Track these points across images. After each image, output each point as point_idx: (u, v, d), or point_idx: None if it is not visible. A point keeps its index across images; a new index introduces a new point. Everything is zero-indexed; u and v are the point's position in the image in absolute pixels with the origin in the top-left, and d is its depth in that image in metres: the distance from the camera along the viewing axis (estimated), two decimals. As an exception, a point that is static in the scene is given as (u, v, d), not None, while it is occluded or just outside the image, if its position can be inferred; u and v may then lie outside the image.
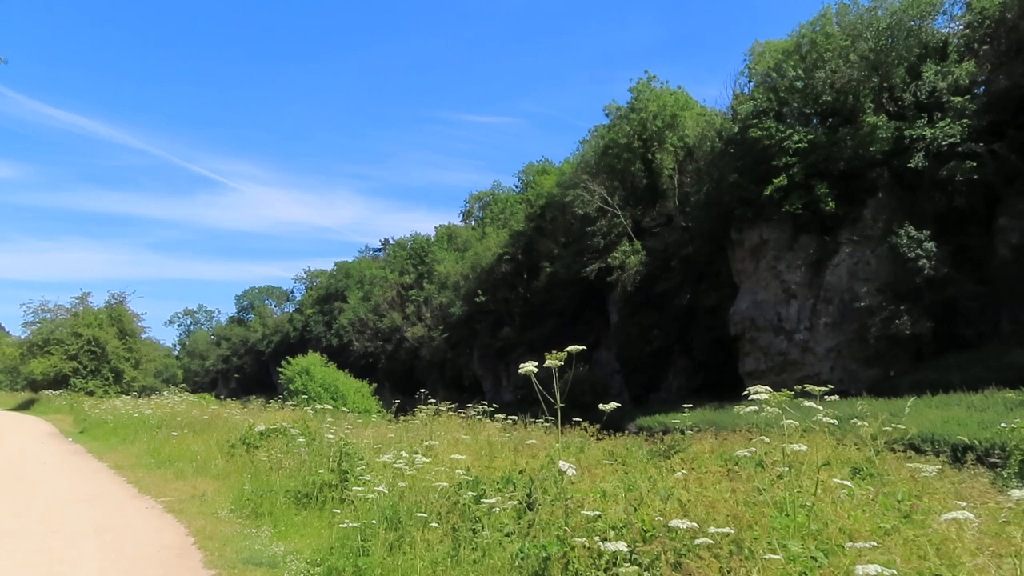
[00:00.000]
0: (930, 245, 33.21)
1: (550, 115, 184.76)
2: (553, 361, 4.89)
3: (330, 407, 24.66)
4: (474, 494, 5.78)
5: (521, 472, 6.75)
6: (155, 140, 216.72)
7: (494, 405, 16.07)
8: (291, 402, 26.66)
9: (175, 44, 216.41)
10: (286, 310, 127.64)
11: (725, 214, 40.57)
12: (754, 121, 39.08)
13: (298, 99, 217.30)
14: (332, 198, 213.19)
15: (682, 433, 12.03)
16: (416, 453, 7.38)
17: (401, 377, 77.23)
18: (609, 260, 48.57)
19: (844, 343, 36.33)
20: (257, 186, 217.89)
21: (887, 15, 37.93)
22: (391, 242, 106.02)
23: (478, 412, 14.82)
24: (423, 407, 15.51)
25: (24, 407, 44.86)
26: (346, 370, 37.13)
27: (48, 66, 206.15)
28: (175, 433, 16.10)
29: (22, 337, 47.21)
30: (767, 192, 37.03)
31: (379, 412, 27.86)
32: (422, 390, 17.34)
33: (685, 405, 20.39)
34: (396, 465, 6.64)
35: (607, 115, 53.42)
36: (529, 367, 4.59)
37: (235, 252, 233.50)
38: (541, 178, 67.60)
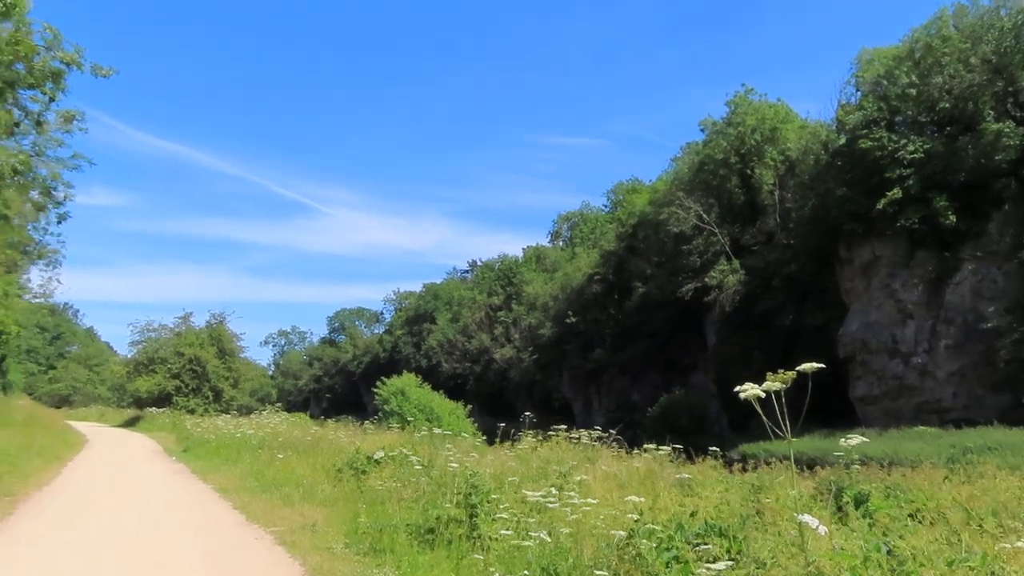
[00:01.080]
0: (1069, 260, 30.51)
1: (636, 135, 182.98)
2: (776, 383, 3.91)
3: (426, 429, 24.19)
4: (670, 551, 4.80)
5: (693, 515, 5.77)
6: (253, 167, 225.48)
7: (583, 428, 15.18)
8: (390, 423, 26.33)
9: (270, 74, 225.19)
10: (376, 331, 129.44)
11: (832, 230, 38.51)
12: (864, 131, 37.01)
13: (387, 124, 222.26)
14: (419, 221, 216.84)
15: (847, 468, 10.51)
16: (562, 488, 6.53)
17: (490, 398, 76.68)
18: (706, 279, 46.86)
19: (969, 367, 33.68)
20: (348, 211, 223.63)
21: (1012, 15, 35.48)
22: (479, 264, 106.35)
23: (591, 437, 13.87)
24: (527, 432, 14.69)
25: (130, 424, 46.45)
26: (439, 391, 36.77)
27: (153, 98, 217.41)
28: (280, 455, 15.66)
29: (129, 356, 48.80)
30: (880, 206, 34.90)
31: (474, 435, 27.17)
32: (527, 413, 16.52)
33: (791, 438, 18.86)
34: (548, 503, 5.78)
35: (702, 130, 52.00)
36: (752, 391, 3.61)
37: (327, 275, 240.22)
38: (632, 197, 66.35)
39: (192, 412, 39.63)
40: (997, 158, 32.89)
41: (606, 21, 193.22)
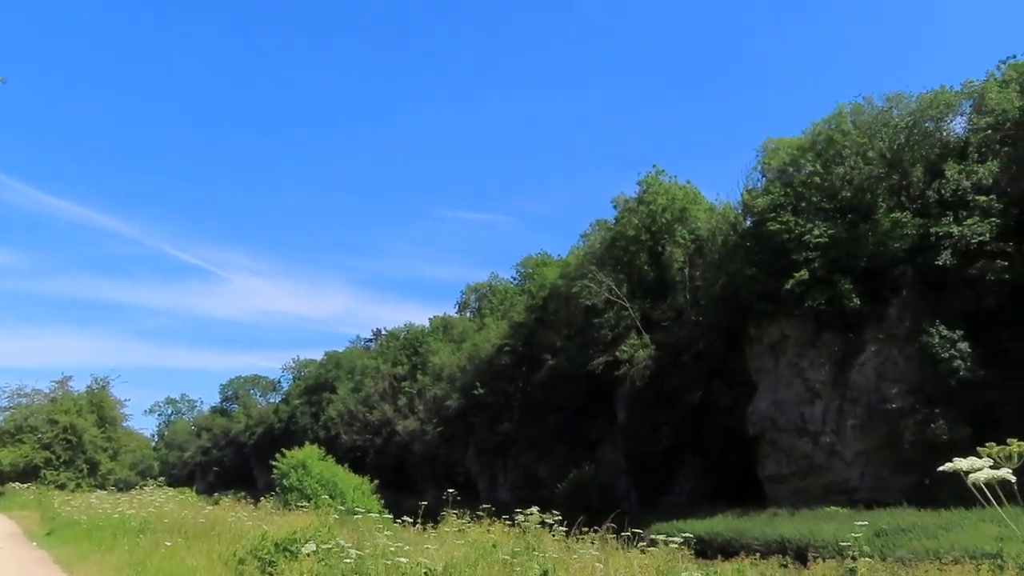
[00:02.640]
0: (964, 345, 31.77)
1: (541, 213, 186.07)
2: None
3: (329, 506, 22.33)
4: None
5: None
6: (149, 229, 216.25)
7: (487, 505, 14.18)
8: (289, 499, 24.28)
9: (171, 135, 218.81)
10: (272, 400, 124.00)
11: (742, 308, 39.20)
12: (771, 215, 38.24)
13: (289, 191, 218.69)
14: (321, 289, 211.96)
15: (853, 560, 9.70)
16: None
17: (390, 471, 73.70)
18: (617, 353, 46.79)
19: (873, 447, 34.33)
20: (247, 276, 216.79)
21: (903, 116, 37.79)
22: (384, 332, 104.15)
23: (527, 519, 12.74)
24: (449, 511, 13.41)
25: (-14, 501, 41.47)
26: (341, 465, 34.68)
27: (46, 154, 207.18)
28: (167, 543, 13.35)
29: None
30: (788, 286, 35.79)
31: (381, 513, 25.39)
32: (450, 490, 15.22)
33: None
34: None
35: (615, 207, 52.86)
36: (978, 473, 2.42)
37: (223, 341, 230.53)
38: (543, 269, 66.56)
39: (62, 487, 35.72)
40: (896, 246, 34.38)
41: (511, 99, 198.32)
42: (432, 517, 14.62)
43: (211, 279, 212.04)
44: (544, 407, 55.70)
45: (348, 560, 8.13)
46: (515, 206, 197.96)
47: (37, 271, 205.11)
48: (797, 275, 35.61)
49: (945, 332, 32.12)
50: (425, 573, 6.15)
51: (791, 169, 39.25)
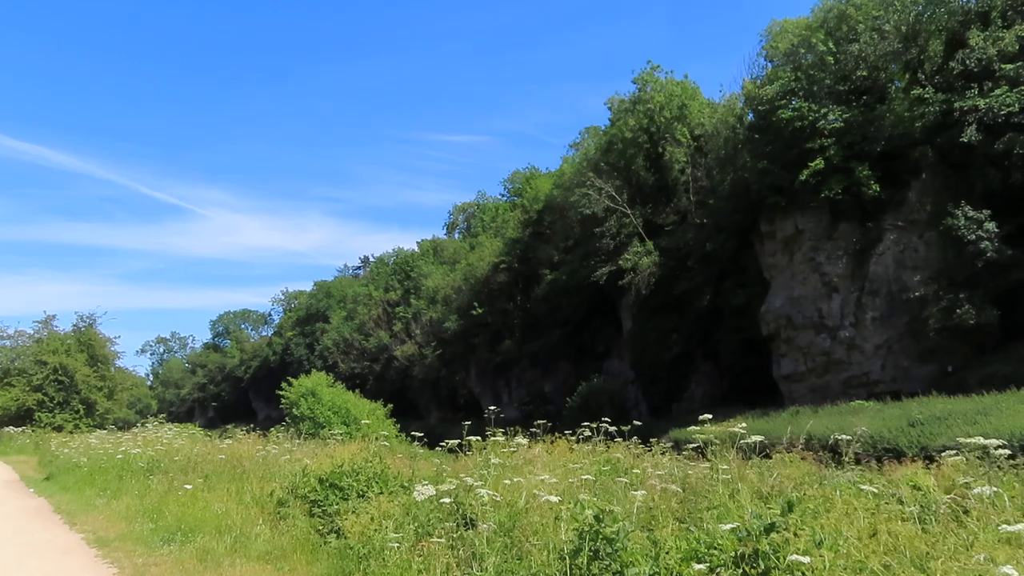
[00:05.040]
0: (991, 226, 30.15)
1: (521, 132, 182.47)
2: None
3: (340, 432, 20.81)
4: None
5: None
6: (122, 169, 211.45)
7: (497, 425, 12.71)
8: (301, 428, 22.83)
9: (139, 70, 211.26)
10: (264, 334, 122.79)
11: (752, 205, 37.36)
12: (782, 102, 36.03)
13: (265, 122, 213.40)
14: (303, 222, 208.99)
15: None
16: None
17: (392, 397, 72.76)
18: (620, 262, 45.05)
19: (895, 338, 33.17)
20: (227, 212, 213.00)
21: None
22: (372, 259, 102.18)
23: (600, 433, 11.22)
24: (496, 430, 11.78)
25: (-19, 447, 40.09)
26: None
27: (10, 97, 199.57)
28: (188, 486, 11.53)
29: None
30: (802, 177, 33.83)
31: (397, 437, 24.01)
32: (492, 408, 13.66)
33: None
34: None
35: (609, 108, 50.21)
36: None
37: (208, 280, 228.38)
38: (536, 182, 64.18)
39: (60, 429, 34.16)
40: (918, 124, 32.42)
41: (486, 16, 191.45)
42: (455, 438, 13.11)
43: (190, 217, 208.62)
44: (545, 323, 54.42)
45: (446, 499, 6.18)
46: (497, 126, 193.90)
47: (10, 217, 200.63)
48: (812, 164, 33.63)
49: (971, 213, 30.46)
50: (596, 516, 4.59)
51: (801, 50, 36.77)
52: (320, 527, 8.48)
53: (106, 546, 9.24)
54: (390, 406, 30.32)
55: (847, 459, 7.25)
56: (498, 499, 5.80)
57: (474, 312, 60.21)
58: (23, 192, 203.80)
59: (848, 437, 7.51)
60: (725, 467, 8.08)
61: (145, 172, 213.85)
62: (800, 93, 36.20)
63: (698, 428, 7.36)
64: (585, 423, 11.44)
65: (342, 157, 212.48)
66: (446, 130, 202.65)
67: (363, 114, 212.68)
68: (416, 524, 6.47)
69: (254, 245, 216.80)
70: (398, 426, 29.76)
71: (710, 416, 6.45)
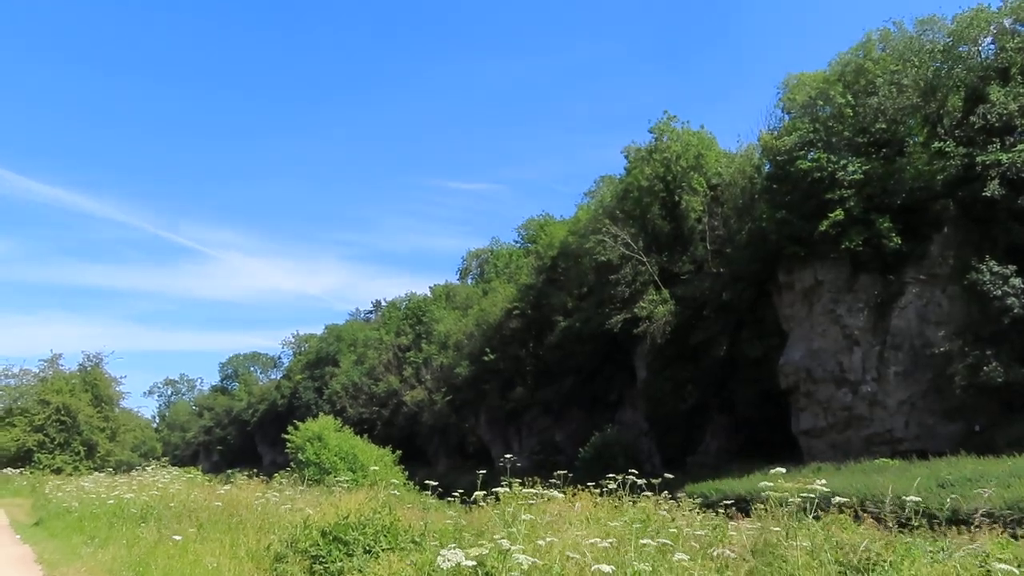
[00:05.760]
0: (1017, 281, 29.52)
1: (534, 181, 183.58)
2: None
3: (350, 480, 20.09)
4: None
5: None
6: (138, 212, 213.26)
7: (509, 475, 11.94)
8: (306, 474, 22.11)
9: (158, 117, 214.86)
10: (273, 377, 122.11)
11: (770, 255, 36.92)
12: (799, 153, 35.83)
13: (281, 168, 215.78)
14: (316, 266, 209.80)
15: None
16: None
17: (400, 443, 71.71)
18: (635, 311, 44.51)
19: (919, 394, 32.30)
20: (240, 255, 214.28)
21: (938, 39, 35.25)
22: (383, 304, 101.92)
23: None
24: (510, 480, 11.13)
25: (-23, 489, 39.19)
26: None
27: (32, 141, 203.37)
28: (177, 537, 10.69)
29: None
30: (822, 227, 33.43)
31: (406, 485, 23.26)
32: (507, 456, 13.01)
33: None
34: None
35: (626, 156, 50.22)
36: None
37: (219, 322, 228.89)
38: (551, 228, 64.08)
39: (59, 472, 33.37)
40: (939, 177, 32.08)
41: (501, 66, 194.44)
42: (466, 489, 12.41)
43: (203, 259, 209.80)
44: (558, 370, 53.68)
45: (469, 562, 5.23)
46: (509, 175, 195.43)
47: (24, 258, 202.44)
48: (832, 215, 33.25)
49: (996, 268, 29.87)
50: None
51: (819, 103, 36.73)
52: None
53: None
54: (398, 452, 29.54)
55: (915, 523, 6.55)
56: (539, 565, 5.12)
57: (486, 358, 59.55)
58: (36, 233, 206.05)
59: (917, 499, 6.80)
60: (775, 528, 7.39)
61: (159, 213, 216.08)
62: (818, 144, 36.05)
63: (770, 483, 6.62)
64: (610, 475, 10.84)
65: (357, 202, 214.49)
66: (460, 178, 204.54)
67: (378, 160, 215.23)
68: None
69: (266, 287, 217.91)
70: (406, 473, 28.98)
71: (783, 470, 5.77)
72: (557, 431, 54.66)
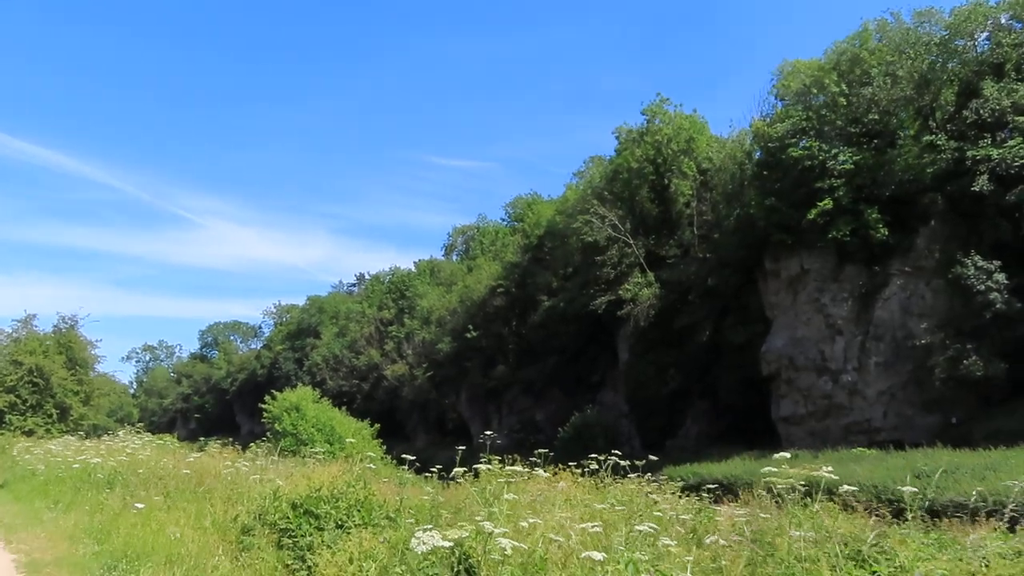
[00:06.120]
0: (1000, 276, 29.66)
1: (523, 159, 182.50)
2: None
3: (323, 451, 19.85)
4: None
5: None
6: (124, 175, 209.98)
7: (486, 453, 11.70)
8: (283, 445, 21.85)
9: (148, 81, 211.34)
10: (253, 346, 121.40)
11: (758, 242, 36.92)
12: (791, 140, 35.71)
13: (271, 137, 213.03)
14: (302, 237, 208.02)
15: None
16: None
17: (379, 418, 71.59)
18: (620, 292, 44.47)
19: (898, 385, 32.52)
20: (227, 223, 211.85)
21: (935, 32, 35.13)
22: (367, 277, 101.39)
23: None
24: (489, 456, 10.90)
25: (-56, 450, 38.62)
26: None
27: (13, 98, 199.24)
28: (139, 505, 10.43)
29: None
30: (810, 216, 33.43)
31: (383, 460, 23.10)
32: (487, 432, 12.89)
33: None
34: None
35: (617, 137, 49.96)
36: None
37: (202, 289, 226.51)
38: (538, 207, 63.75)
39: (30, 434, 32.85)
40: (929, 171, 32.08)
41: (489, 41, 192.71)
42: (444, 465, 12.16)
43: (187, 226, 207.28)
44: (541, 350, 53.66)
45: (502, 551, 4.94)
46: (498, 152, 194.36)
47: (3, 217, 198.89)
48: (820, 204, 33.24)
49: (981, 263, 29.99)
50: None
51: (813, 91, 36.57)
52: (290, 561, 7.55)
53: (36, 572, 8.40)
54: (377, 426, 29.35)
55: (911, 514, 6.33)
56: (523, 549, 4.91)
57: (468, 335, 59.42)
58: (17, 191, 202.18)
59: (914, 489, 6.54)
60: (763, 514, 7.25)
61: (146, 178, 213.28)
62: (810, 133, 35.99)
63: (774, 469, 6.31)
64: (592, 455, 10.68)
65: (345, 175, 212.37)
66: (450, 154, 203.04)
67: (369, 133, 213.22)
68: (405, 569, 5.66)
69: (251, 257, 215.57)
70: (384, 447, 28.82)
71: (787, 455, 5.51)
72: (537, 410, 54.73)
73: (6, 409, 35.28)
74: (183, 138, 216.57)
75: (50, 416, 36.31)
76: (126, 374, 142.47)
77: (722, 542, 6.00)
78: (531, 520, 5.96)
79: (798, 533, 5.48)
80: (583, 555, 4.40)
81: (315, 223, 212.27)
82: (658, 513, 7.47)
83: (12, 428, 33.93)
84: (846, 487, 6.45)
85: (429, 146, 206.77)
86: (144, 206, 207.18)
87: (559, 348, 52.22)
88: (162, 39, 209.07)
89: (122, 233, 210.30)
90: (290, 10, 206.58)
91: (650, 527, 6.11)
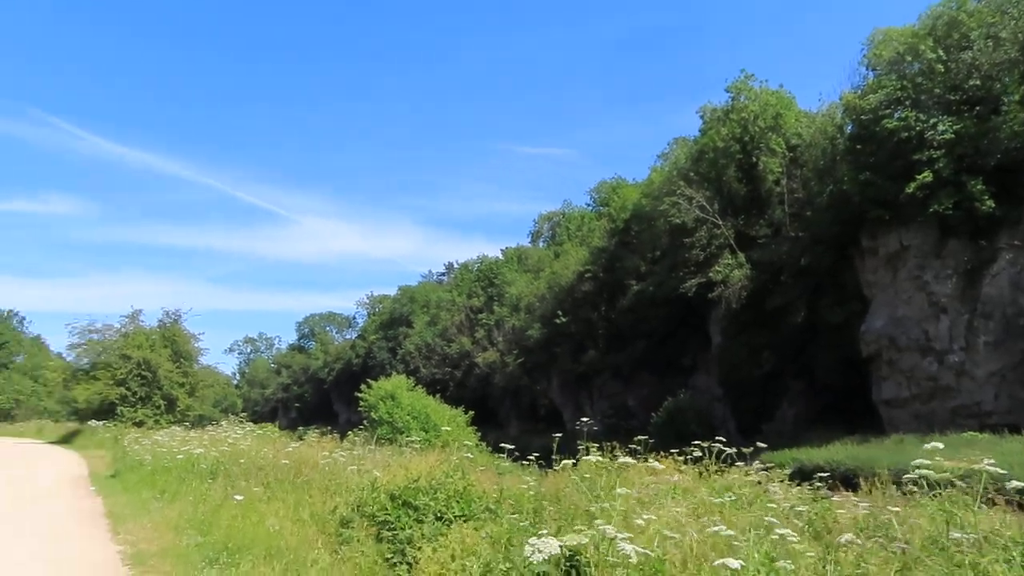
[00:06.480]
0: (1122, 247, 27.87)
1: (606, 145, 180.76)
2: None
3: (419, 439, 20.42)
4: None
5: None
6: (217, 174, 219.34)
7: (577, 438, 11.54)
8: (379, 433, 22.65)
9: (241, 83, 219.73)
10: (348, 337, 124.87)
11: (853, 218, 35.68)
12: (886, 112, 34.28)
13: (357, 134, 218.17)
14: (389, 229, 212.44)
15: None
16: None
17: (472, 405, 72.75)
18: (710, 274, 43.81)
19: (1010, 366, 30.91)
20: (317, 218, 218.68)
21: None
22: (455, 266, 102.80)
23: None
24: (588, 444, 11.00)
25: (67, 440, 40.94)
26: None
27: (115, 103, 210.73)
28: (238, 497, 10.60)
29: (68, 360, 43.41)
30: (909, 190, 32.08)
31: (478, 447, 23.62)
32: (584, 419, 13.03)
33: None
34: None
35: (701, 117, 49.06)
36: None
37: (295, 283, 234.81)
38: (624, 191, 63.28)
39: (140, 424, 34.48)
40: (1037, 138, 30.28)
41: (572, 30, 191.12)
42: (538, 451, 12.30)
43: (281, 222, 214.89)
44: (630, 334, 53.40)
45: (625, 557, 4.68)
46: (579, 139, 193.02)
47: (108, 219, 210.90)
48: (920, 177, 31.85)
49: (1099, 233, 28.24)
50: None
51: (907, 59, 34.94)
52: (390, 555, 7.50)
53: (142, 564, 8.70)
54: (471, 413, 29.90)
55: None
56: (649, 555, 4.61)
57: (557, 321, 59.64)
58: (122, 195, 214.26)
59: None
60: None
61: (240, 176, 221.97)
62: (906, 102, 34.41)
63: (925, 460, 5.59)
64: (695, 442, 10.61)
65: (429, 167, 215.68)
66: (531, 142, 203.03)
67: (451, 126, 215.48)
68: (510, 567, 5.45)
69: (341, 250, 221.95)
70: (478, 435, 29.30)
71: (940, 446, 4.85)
72: (628, 395, 54.58)
73: (117, 401, 36.89)
74: (274, 138, 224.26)
75: (158, 407, 37.88)
76: (229, 366, 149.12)
77: (857, 542, 5.78)
78: (645, 517, 5.73)
79: (959, 535, 4.92)
80: (716, 563, 4.26)
81: (401, 215, 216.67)
82: (772, 505, 7.35)
83: (123, 419, 35.59)
84: (1015, 483, 5.64)
85: (510, 135, 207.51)
86: (240, 204, 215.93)
87: (648, 332, 51.86)
88: (251, 47, 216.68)
89: (218, 231, 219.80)
90: (366, 10, 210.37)
91: (772, 522, 5.88)
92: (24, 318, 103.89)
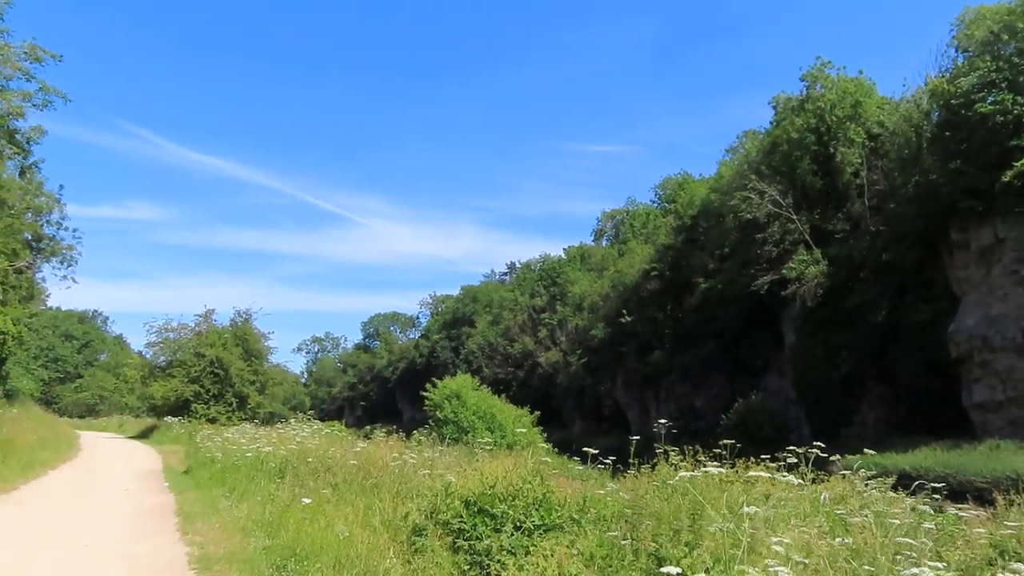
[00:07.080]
0: None
1: (670, 141, 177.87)
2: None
3: (487, 440, 19.52)
4: None
5: None
6: (288, 179, 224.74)
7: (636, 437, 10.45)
8: (444, 432, 21.89)
9: (312, 94, 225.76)
10: (412, 336, 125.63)
11: (941, 210, 33.44)
12: (979, 95, 32.00)
13: (420, 138, 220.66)
14: (453, 230, 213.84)
15: None
16: None
17: (536, 404, 71.65)
18: (783, 271, 41.83)
19: (1120, 367, 28.48)
20: (381, 220, 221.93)
21: None
22: (518, 265, 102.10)
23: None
24: (667, 447, 9.89)
25: (145, 435, 42.25)
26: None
27: (196, 115, 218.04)
28: (306, 500, 10.42)
29: (146, 358, 44.55)
30: (1005, 179, 29.82)
31: (544, 447, 22.57)
32: (661, 421, 11.88)
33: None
34: None
35: (774, 107, 47.04)
36: None
37: (361, 284, 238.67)
38: (690, 186, 61.45)
39: (213, 421, 35.05)
40: None
41: (635, 27, 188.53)
42: (603, 452, 11.25)
43: (348, 225, 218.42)
44: (698, 334, 51.68)
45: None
46: (642, 136, 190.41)
47: (187, 223, 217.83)
48: (1018, 164, 29.57)
49: None
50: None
51: (1003, 37, 32.59)
52: (467, 567, 6.96)
53: (208, 569, 8.31)
54: (537, 414, 28.95)
55: None
56: None
57: (622, 320, 58.21)
58: (199, 201, 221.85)
59: None
60: None
61: (309, 181, 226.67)
62: (1001, 85, 32.00)
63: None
64: (790, 448, 9.48)
65: (491, 168, 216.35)
66: (594, 140, 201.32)
67: (513, 127, 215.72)
68: None
69: (406, 252, 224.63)
70: (544, 435, 28.33)
71: None
72: (696, 397, 52.82)
73: (191, 398, 37.71)
74: (341, 144, 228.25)
75: (230, 404, 38.52)
76: (297, 365, 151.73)
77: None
78: (775, 539, 4.79)
79: None
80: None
81: (463, 216, 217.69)
82: (894, 521, 6.27)
83: (197, 416, 36.35)
84: None
85: (570, 134, 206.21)
86: (308, 207, 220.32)
87: (717, 332, 50.06)
88: (324, 65, 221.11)
89: (288, 234, 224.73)
90: (430, 20, 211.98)
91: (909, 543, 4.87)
92: (108, 318, 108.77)
